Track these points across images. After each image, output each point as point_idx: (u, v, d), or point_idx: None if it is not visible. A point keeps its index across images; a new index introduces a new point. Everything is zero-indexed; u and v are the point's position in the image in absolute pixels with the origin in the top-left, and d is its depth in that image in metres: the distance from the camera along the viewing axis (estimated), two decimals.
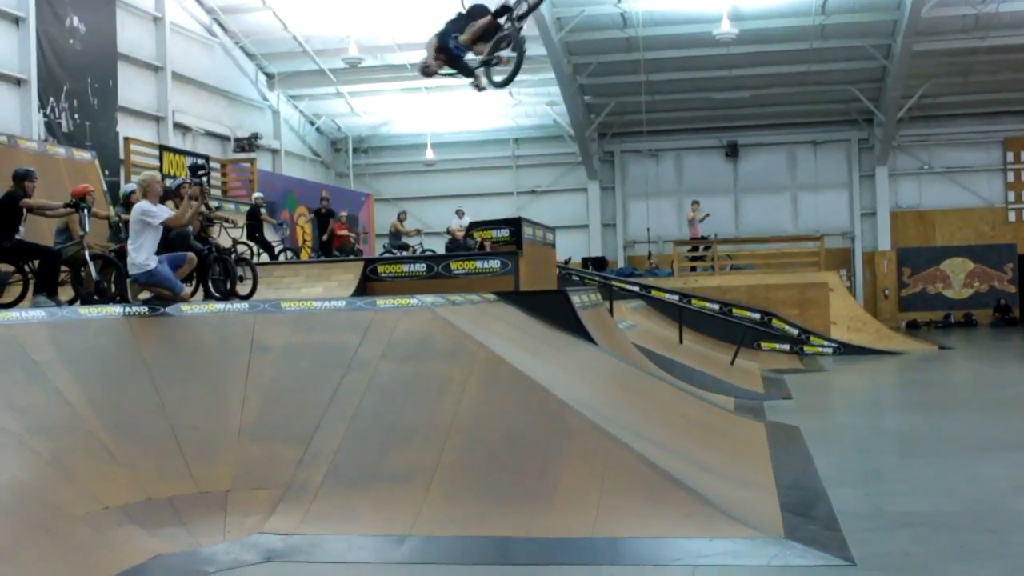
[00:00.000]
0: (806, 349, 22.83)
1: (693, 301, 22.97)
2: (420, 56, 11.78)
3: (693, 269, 28.20)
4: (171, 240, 11.39)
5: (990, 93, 31.57)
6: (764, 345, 22.51)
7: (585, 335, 13.26)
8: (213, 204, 18.75)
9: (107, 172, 19.83)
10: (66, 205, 10.90)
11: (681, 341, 20.65)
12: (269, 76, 31.46)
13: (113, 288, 11.03)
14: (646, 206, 33.51)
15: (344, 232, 21.52)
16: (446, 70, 11.13)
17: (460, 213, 24.34)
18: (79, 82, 21.48)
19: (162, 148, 22.96)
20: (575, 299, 13.91)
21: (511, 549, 7.22)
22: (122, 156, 21.87)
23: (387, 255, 20.70)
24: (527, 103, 33.38)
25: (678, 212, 33.35)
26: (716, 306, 23.05)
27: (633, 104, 30.99)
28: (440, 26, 11.00)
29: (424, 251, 21.75)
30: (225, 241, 13.97)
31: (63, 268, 10.96)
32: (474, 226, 18.61)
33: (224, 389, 8.97)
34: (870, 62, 29.37)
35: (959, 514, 8.02)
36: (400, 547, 7.33)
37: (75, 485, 7.36)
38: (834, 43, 28.60)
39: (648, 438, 9.05)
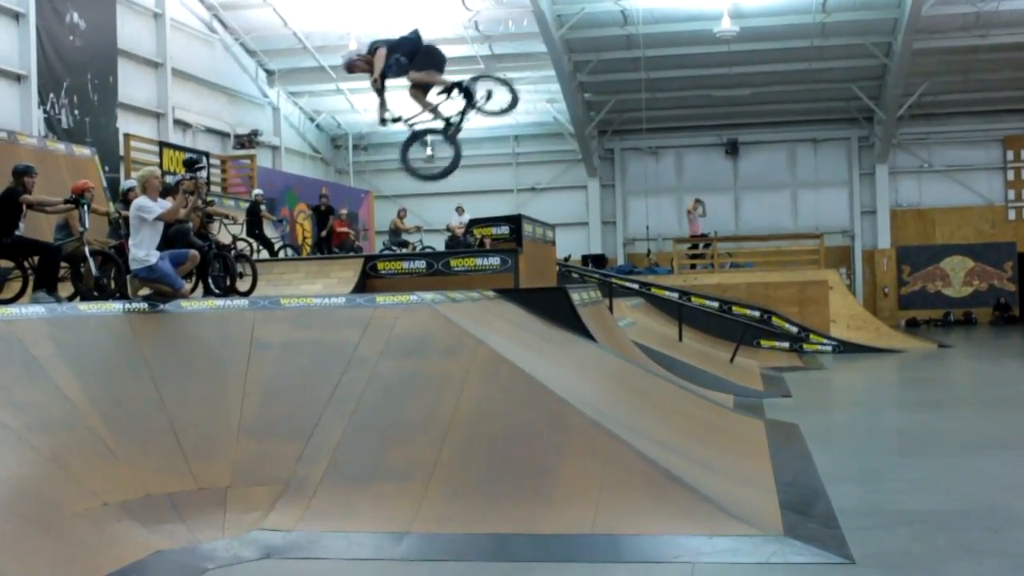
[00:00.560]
0: (806, 347, 22.85)
1: (693, 299, 23.00)
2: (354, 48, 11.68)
3: (693, 267, 28.20)
4: (171, 236, 11.39)
5: (990, 91, 31.56)
6: (764, 343, 22.53)
7: (585, 332, 13.26)
8: (212, 199, 18.70)
9: (107, 168, 19.83)
10: (66, 201, 10.90)
11: (681, 339, 20.65)
12: (269, 73, 31.45)
13: (113, 284, 11.03)
14: (646, 204, 33.53)
15: (344, 229, 21.52)
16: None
17: (460, 210, 24.32)
18: (79, 78, 21.47)
19: (162, 144, 22.95)
20: (575, 296, 13.91)
21: (510, 546, 7.22)
22: (122, 152, 21.87)
23: (387, 252, 20.69)
24: (527, 100, 33.26)
25: (678, 210, 33.34)
26: (716, 304, 23.08)
27: (633, 101, 30.98)
28: (393, 37, 10.75)
29: (424, 248, 21.75)
30: (225, 238, 13.97)
31: (63, 264, 10.96)
32: (474, 223, 18.60)
33: (224, 386, 8.97)
34: (870, 60, 29.36)
35: (958, 512, 8.01)
36: (399, 544, 7.33)
37: (74, 481, 7.36)
38: (834, 41, 28.59)
39: (648, 435, 9.05)
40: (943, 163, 33.38)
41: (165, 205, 10.41)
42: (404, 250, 20.83)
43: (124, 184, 13.49)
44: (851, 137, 33.80)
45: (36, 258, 10.55)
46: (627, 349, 15.45)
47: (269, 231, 19.44)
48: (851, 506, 8.13)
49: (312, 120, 34.80)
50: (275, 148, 31.85)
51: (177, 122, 26.23)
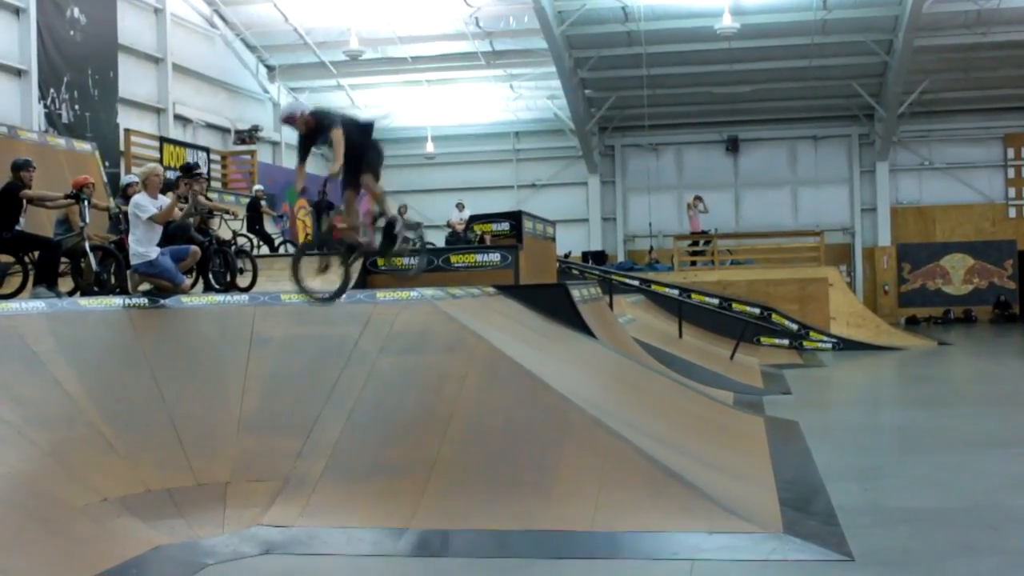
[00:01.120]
0: (805, 344, 22.86)
1: (693, 295, 23.00)
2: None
3: (693, 264, 28.19)
4: (171, 232, 11.37)
5: (991, 89, 31.51)
6: (764, 340, 22.54)
7: (585, 329, 13.26)
8: (213, 196, 18.69)
9: (107, 163, 19.82)
10: (66, 196, 10.89)
11: (681, 335, 20.65)
12: (270, 68, 31.42)
13: (113, 279, 11.02)
14: (646, 200, 33.51)
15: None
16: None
17: (460, 206, 24.33)
18: (79, 73, 21.45)
19: (162, 140, 22.95)
20: (575, 293, 13.91)
21: (510, 542, 7.22)
22: (122, 147, 21.85)
23: None
24: (528, 97, 33.35)
25: (678, 207, 33.31)
26: (716, 301, 23.09)
27: (634, 98, 30.98)
28: (348, 114, 9.19)
29: (424, 244, 21.72)
30: (225, 233, 13.95)
31: (63, 259, 10.95)
32: (474, 219, 18.59)
33: (223, 381, 8.97)
34: (871, 57, 29.33)
35: (958, 510, 8.02)
36: (399, 540, 7.34)
37: (74, 477, 7.36)
38: (835, 38, 28.56)
39: (647, 432, 9.06)
40: (944, 161, 33.36)
41: (164, 203, 10.40)
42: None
43: (124, 179, 13.49)
44: (852, 134, 33.77)
45: (36, 253, 10.53)
46: (627, 346, 15.45)
47: (269, 227, 19.43)
48: (851, 503, 8.14)
49: None
50: (275, 144, 31.83)
51: (177, 117, 26.21)
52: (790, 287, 25.06)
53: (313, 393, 8.89)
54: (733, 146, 33.96)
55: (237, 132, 28.94)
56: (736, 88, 31.49)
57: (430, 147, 34.27)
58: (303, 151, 8.97)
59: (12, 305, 8.84)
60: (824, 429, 12.25)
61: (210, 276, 11.98)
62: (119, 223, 11.81)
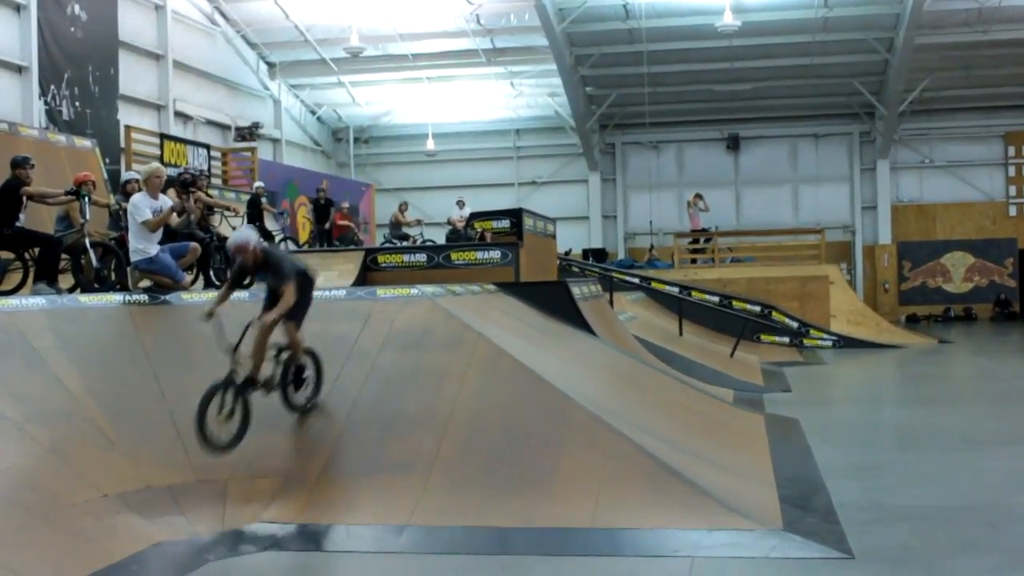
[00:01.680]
0: (806, 342, 22.86)
1: (693, 293, 22.99)
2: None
3: (693, 261, 28.19)
4: (172, 229, 11.38)
5: (992, 87, 31.50)
6: (764, 338, 22.54)
7: (585, 326, 13.26)
8: (214, 193, 18.69)
9: (108, 160, 19.79)
10: (67, 193, 10.88)
11: (681, 333, 20.65)
12: (270, 65, 31.41)
13: (113, 276, 11.02)
14: (647, 198, 33.51)
15: (345, 222, 21.51)
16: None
17: (461, 204, 24.32)
18: (80, 70, 21.45)
19: (163, 136, 22.93)
20: (575, 290, 13.90)
21: (510, 539, 7.22)
22: (123, 144, 21.83)
23: (388, 245, 20.69)
24: (528, 94, 33.33)
25: (679, 204, 33.30)
26: (716, 298, 23.09)
27: (635, 96, 30.97)
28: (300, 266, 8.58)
29: (424, 241, 21.74)
30: (226, 230, 13.95)
31: (63, 256, 10.94)
32: (475, 217, 18.60)
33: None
34: (872, 55, 29.32)
35: (958, 507, 8.02)
36: (399, 536, 7.34)
37: (74, 473, 7.36)
38: (836, 36, 28.54)
39: (647, 430, 9.06)
40: (944, 159, 33.35)
41: (163, 204, 10.39)
42: (405, 243, 20.83)
43: (124, 175, 13.49)
44: (852, 132, 33.76)
45: (37, 250, 10.52)
46: (627, 343, 15.45)
47: (270, 224, 19.42)
48: (850, 501, 8.13)
49: (313, 113, 34.77)
50: (276, 141, 31.84)
51: (178, 114, 26.21)
52: (790, 285, 25.06)
53: None
54: (734, 144, 33.95)
55: (238, 129, 28.94)
56: (737, 86, 31.48)
57: (431, 144, 34.27)
58: (236, 279, 8.66)
59: (12, 301, 8.83)
60: (824, 427, 12.25)
61: (211, 273, 11.99)
62: (119, 220, 11.80)
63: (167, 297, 9.83)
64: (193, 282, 11.49)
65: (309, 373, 8.57)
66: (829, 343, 22.97)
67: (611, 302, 18.65)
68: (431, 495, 7.76)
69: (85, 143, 18.67)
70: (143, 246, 10.15)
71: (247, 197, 19.65)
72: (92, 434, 7.84)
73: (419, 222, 23.89)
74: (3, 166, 11.00)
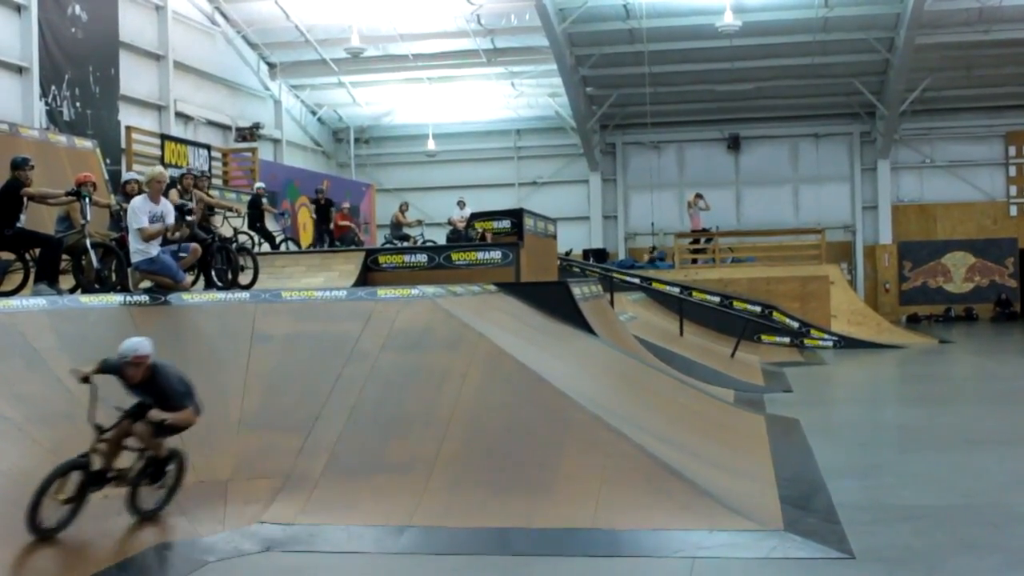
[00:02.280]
0: (806, 342, 22.87)
1: (694, 293, 23.00)
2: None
3: (694, 261, 28.19)
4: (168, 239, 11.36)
5: (993, 87, 31.48)
6: (764, 338, 22.54)
7: (585, 326, 13.26)
8: (214, 193, 18.67)
9: (108, 161, 19.79)
10: (67, 193, 10.88)
11: (682, 333, 20.65)
12: (271, 65, 31.41)
13: (114, 277, 11.02)
14: (647, 198, 33.50)
15: (346, 222, 21.52)
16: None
17: (461, 204, 24.32)
18: (81, 70, 21.45)
19: (163, 137, 22.93)
20: (576, 290, 13.91)
21: (511, 540, 7.23)
22: (123, 145, 21.83)
23: (388, 245, 20.69)
24: (529, 94, 33.33)
25: (679, 204, 33.28)
26: (717, 299, 23.09)
27: (635, 96, 30.95)
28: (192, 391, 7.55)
29: (425, 242, 21.74)
30: (227, 231, 13.95)
31: (64, 256, 10.94)
32: (475, 217, 18.60)
33: (224, 379, 8.98)
34: (873, 55, 29.30)
35: (959, 507, 8.02)
36: (400, 537, 7.34)
37: None
38: (837, 36, 28.53)
39: (648, 430, 9.06)
40: (945, 159, 33.33)
41: (165, 208, 10.38)
42: (405, 244, 20.83)
43: (124, 176, 13.49)
44: (853, 132, 33.73)
45: (37, 250, 10.53)
46: (628, 343, 15.45)
47: (271, 224, 19.43)
48: (851, 501, 8.14)
49: (314, 113, 34.77)
50: (276, 141, 31.83)
51: (179, 115, 26.21)
52: (791, 285, 25.06)
53: (314, 390, 8.90)
54: (734, 144, 33.94)
55: (238, 129, 28.94)
56: (737, 86, 31.47)
57: (431, 144, 34.27)
58: (106, 368, 7.33)
59: (13, 302, 8.84)
60: (825, 427, 12.25)
61: (212, 273, 11.98)
62: (120, 220, 11.80)
63: (168, 298, 9.83)
64: (194, 283, 11.48)
65: (171, 468, 7.51)
66: (830, 343, 22.97)
67: (611, 302, 18.66)
68: (432, 496, 7.76)
69: (86, 144, 18.68)
70: (144, 247, 10.15)
71: (248, 198, 19.67)
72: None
73: (420, 222, 23.88)
74: (3, 167, 11.00)
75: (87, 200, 10.72)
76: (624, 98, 32.09)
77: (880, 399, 16.21)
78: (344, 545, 7.32)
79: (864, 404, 15.40)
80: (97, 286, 10.68)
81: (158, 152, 21.87)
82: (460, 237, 20.24)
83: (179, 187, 13.69)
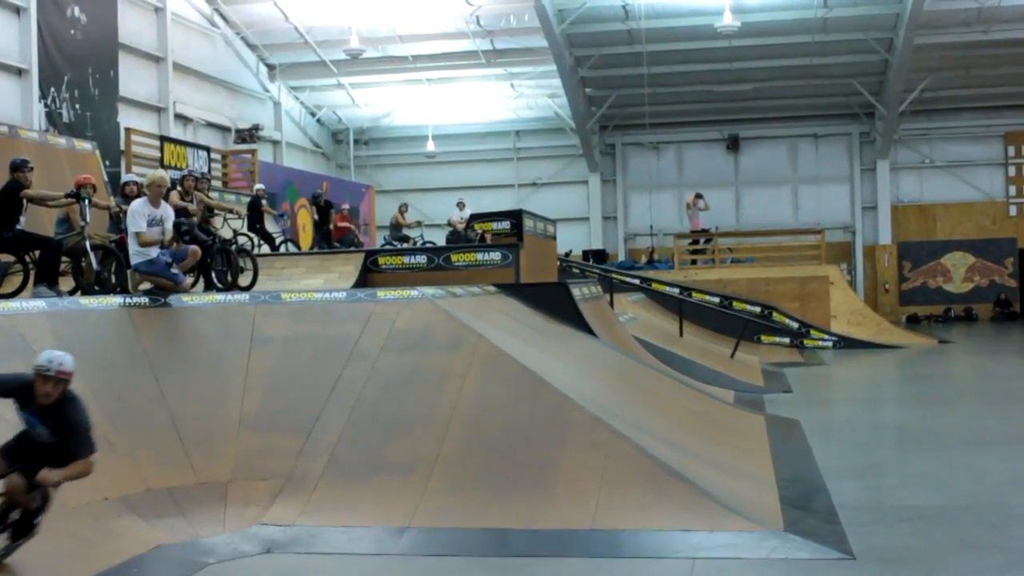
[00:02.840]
0: (806, 343, 22.86)
1: (693, 294, 23.00)
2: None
3: (694, 262, 28.19)
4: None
5: (992, 87, 31.48)
6: (764, 338, 22.54)
7: (585, 327, 13.26)
8: (214, 195, 18.66)
9: (108, 163, 19.81)
10: (67, 195, 10.89)
11: (681, 334, 20.65)
12: (270, 67, 31.41)
13: (114, 279, 11.02)
14: (647, 199, 33.51)
15: (345, 224, 21.52)
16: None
17: (461, 205, 24.33)
18: (80, 72, 21.45)
19: (163, 139, 22.93)
20: (575, 291, 13.91)
21: (511, 541, 7.22)
22: (123, 147, 21.83)
23: (388, 247, 20.69)
24: (528, 95, 33.33)
25: (679, 205, 33.28)
26: (716, 299, 23.08)
27: (635, 97, 30.96)
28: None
29: (425, 243, 21.74)
30: (226, 232, 13.95)
31: (64, 258, 10.95)
32: (475, 218, 18.58)
33: (224, 380, 8.97)
34: (872, 55, 29.31)
35: (959, 508, 8.02)
36: (400, 538, 7.34)
37: None
38: (836, 36, 28.54)
39: (648, 431, 9.05)
40: (944, 159, 33.33)
41: (164, 212, 10.37)
42: (405, 245, 20.83)
43: (123, 178, 13.50)
44: (852, 133, 33.74)
45: (37, 252, 10.53)
46: (628, 344, 15.45)
47: (270, 226, 19.43)
48: (851, 501, 8.14)
49: (313, 115, 34.78)
50: (276, 143, 31.83)
51: (178, 116, 26.20)
52: (791, 285, 25.06)
53: (314, 392, 8.90)
54: (734, 144, 33.94)
55: (238, 131, 28.94)
56: (737, 86, 31.47)
57: (431, 146, 34.26)
58: (9, 388, 6.46)
59: (13, 304, 8.84)
60: (825, 427, 12.26)
61: (212, 275, 11.98)
62: (120, 222, 11.81)
63: (167, 299, 9.83)
64: (193, 284, 11.48)
65: (39, 520, 6.18)
66: (829, 344, 22.96)
67: (611, 303, 18.65)
68: (432, 497, 7.76)
69: (85, 145, 18.68)
70: (144, 248, 10.14)
71: (247, 199, 19.67)
72: None
73: (419, 224, 23.89)
74: (3, 169, 11.01)
75: (87, 202, 10.73)
76: (623, 99, 32.10)
77: (880, 399, 16.21)
78: (344, 546, 7.32)
79: (864, 404, 15.40)
80: (97, 288, 10.70)
81: (157, 154, 21.87)
82: (460, 238, 20.23)
83: (180, 189, 13.73)
